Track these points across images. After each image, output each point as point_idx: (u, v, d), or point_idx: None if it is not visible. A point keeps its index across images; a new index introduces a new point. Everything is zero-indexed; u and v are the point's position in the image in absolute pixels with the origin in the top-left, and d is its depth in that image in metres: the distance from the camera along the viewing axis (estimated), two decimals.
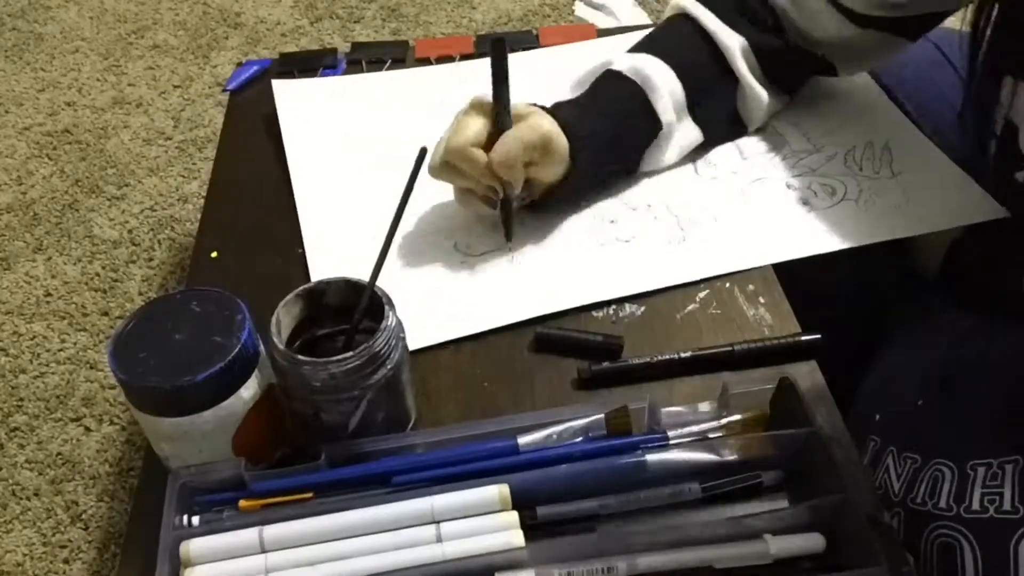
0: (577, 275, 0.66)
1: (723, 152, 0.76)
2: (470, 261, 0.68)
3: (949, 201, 0.70)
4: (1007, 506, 0.48)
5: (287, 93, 0.84)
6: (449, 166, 0.63)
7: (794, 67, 0.75)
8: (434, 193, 0.70)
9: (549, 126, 0.64)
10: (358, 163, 0.77)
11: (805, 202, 0.71)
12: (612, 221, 0.70)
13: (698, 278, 0.66)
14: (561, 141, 0.64)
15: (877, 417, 0.58)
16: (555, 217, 0.71)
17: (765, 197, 0.72)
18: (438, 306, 0.64)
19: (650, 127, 0.70)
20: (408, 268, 0.67)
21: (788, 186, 0.73)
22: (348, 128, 0.81)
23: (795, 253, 0.67)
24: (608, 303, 0.65)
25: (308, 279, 0.65)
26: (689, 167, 0.75)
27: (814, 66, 0.75)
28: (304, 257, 0.69)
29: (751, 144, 0.77)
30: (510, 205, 0.66)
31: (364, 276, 0.53)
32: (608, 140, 0.68)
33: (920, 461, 0.53)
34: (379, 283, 0.52)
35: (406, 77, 0.87)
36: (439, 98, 0.83)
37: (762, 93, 0.73)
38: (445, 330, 0.63)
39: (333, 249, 0.69)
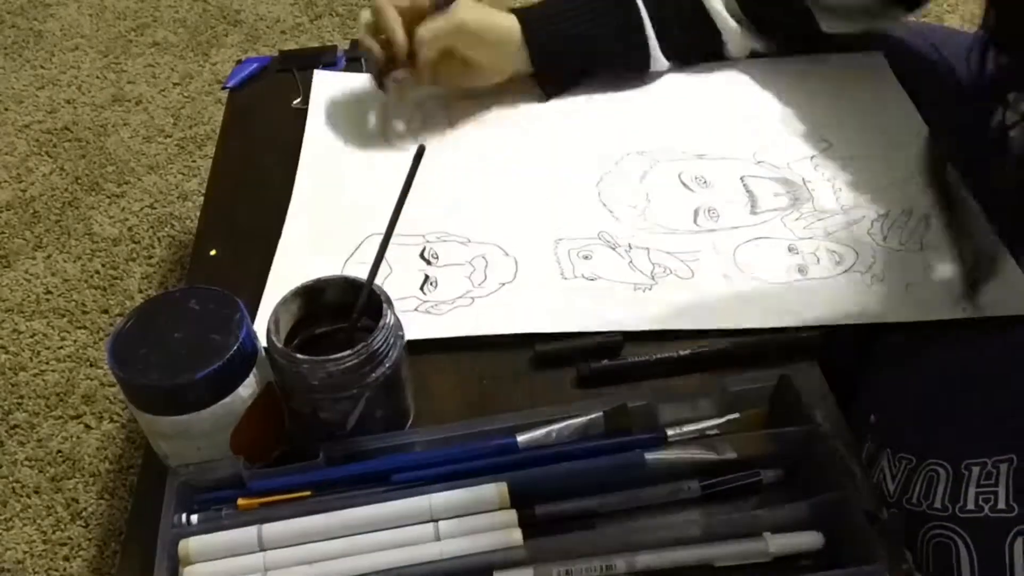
0: (550, 301, 0.64)
1: (732, 205, 0.70)
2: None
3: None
4: (1002, 505, 0.48)
5: (325, 85, 0.83)
6: (371, 27, 0.71)
7: (771, 7, 0.75)
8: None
9: (465, 15, 0.70)
10: (367, 160, 0.77)
11: (800, 270, 0.65)
12: (586, 257, 0.66)
13: (655, 328, 0.61)
14: (483, 36, 0.71)
15: (872, 418, 0.58)
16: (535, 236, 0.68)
17: (754, 259, 0.66)
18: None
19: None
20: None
21: (790, 249, 0.66)
22: (372, 124, 0.80)
23: (754, 323, 0.61)
24: None
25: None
26: (689, 215, 0.70)
27: (794, 9, 0.75)
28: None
29: (769, 196, 0.71)
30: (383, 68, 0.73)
31: (355, 275, 0.53)
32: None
33: (915, 461, 0.53)
34: (376, 281, 0.52)
35: None
36: None
37: (730, 22, 0.75)
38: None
39: (303, 250, 0.69)
